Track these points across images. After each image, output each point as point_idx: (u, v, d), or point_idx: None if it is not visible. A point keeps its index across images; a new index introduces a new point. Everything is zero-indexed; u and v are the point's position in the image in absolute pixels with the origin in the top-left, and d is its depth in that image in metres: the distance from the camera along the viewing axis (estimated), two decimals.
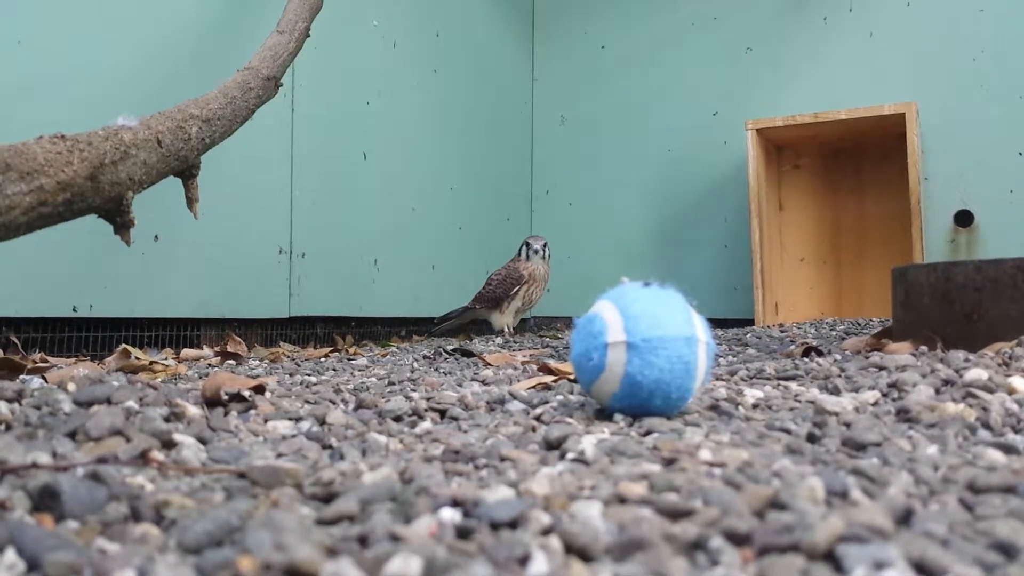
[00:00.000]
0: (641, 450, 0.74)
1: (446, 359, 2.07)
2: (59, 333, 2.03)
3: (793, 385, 1.21)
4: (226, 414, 0.97)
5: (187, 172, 1.53)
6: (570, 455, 0.74)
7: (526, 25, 4.14)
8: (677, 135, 3.77)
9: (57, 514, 0.57)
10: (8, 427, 0.84)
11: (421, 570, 0.44)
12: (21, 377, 1.35)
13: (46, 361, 1.74)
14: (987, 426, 0.87)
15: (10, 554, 0.48)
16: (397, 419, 0.98)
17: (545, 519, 0.53)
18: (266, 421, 0.95)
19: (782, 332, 2.67)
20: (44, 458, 0.69)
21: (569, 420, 0.94)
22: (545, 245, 3.04)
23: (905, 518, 0.54)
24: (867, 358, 1.42)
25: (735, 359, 1.81)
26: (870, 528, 0.49)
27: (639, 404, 0.92)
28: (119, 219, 1.28)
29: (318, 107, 2.78)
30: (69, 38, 2.03)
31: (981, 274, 1.55)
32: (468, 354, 2.12)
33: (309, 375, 1.63)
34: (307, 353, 2.32)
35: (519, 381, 1.37)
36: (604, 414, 0.98)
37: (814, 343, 1.87)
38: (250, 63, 1.86)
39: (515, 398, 1.12)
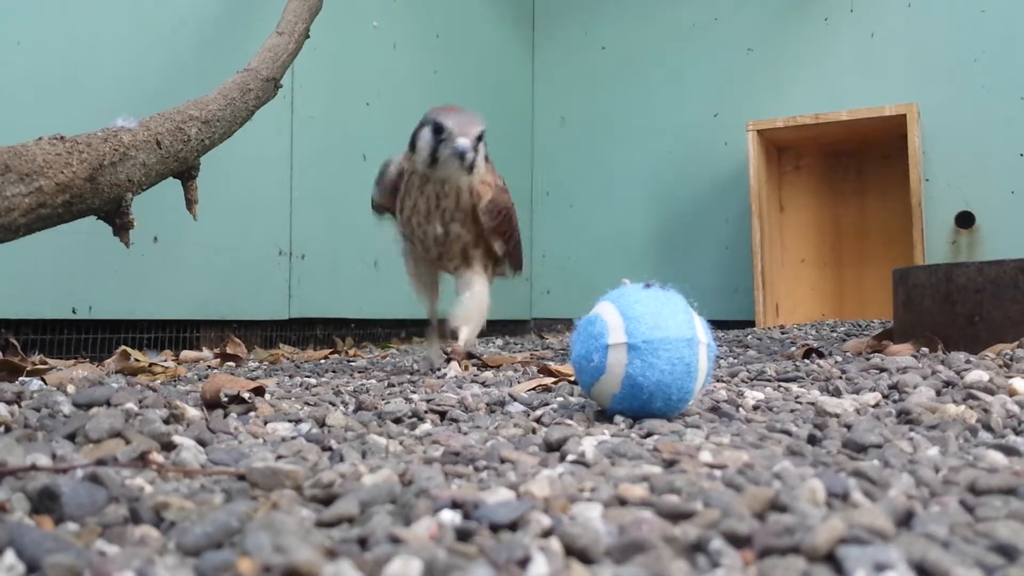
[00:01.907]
0: (642, 452, 0.74)
1: (446, 360, 2.06)
2: (58, 335, 2.03)
3: (794, 387, 1.20)
4: (225, 416, 0.97)
5: (186, 173, 1.53)
6: (570, 457, 0.74)
7: (526, 26, 4.14)
8: (677, 136, 3.77)
9: (57, 516, 0.57)
10: (7, 429, 0.84)
11: (421, 572, 0.44)
12: (20, 379, 1.35)
13: (45, 363, 1.74)
14: (988, 428, 0.86)
15: (10, 556, 0.47)
16: (397, 421, 0.98)
17: (545, 521, 0.52)
18: (266, 423, 0.95)
19: (783, 333, 2.67)
20: (44, 460, 0.68)
21: (569, 422, 0.94)
22: (466, 145, 1.51)
23: (906, 520, 0.54)
24: (868, 360, 1.42)
25: (736, 360, 1.81)
26: (871, 530, 0.49)
27: (640, 405, 0.92)
28: (118, 220, 1.28)
29: (318, 108, 2.78)
30: (69, 39, 2.03)
31: (982, 275, 1.54)
32: (468, 356, 2.12)
33: (309, 377, 1.63)
34: (307, 355, 2.32)
35: (519, 383, 1.37)
36: (604, 416, 0.97)
37: (815, 345, 1.87)
38: (249, 64, 1.85)
39: (515, 400, 1.12)
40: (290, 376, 1.65)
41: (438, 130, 1.48)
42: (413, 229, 1.58)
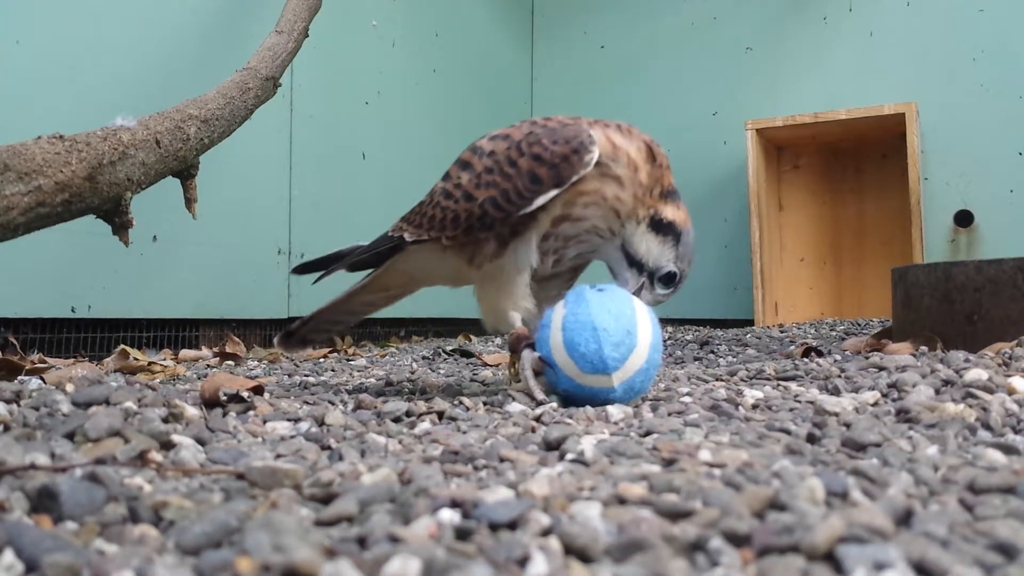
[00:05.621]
0: (641, 451, 0.74)
1: (445, 360, 2.07)
2: (57, 334, 2.03)
3: (793, 385, 1.20)
4: (224, 415, 0.97)
5: (185, 172, 1.53)
6: (569, 456, 0.74)
7: (526, 25, 4.13)
8: (677, 135, 3.76)
9: (56, 515, 0.57)
10: (6, 428, 0.84)
11: (420, 571, 0.44)
12: (19, 378, 1.35)
13: (44, 362, 1.74)
14: (987, 426, 0.86)
15: (9, 555, 0.47)
16: (396, 420, 0.98)
17: (544, 520, 0.52)
18: (265, 422, 0.95)
19: (782, 332, 2.67)
20: (43, 459, 0.68)
21: (569, 421, 0.94)
22: None
23: (905, 519, 0.54)
24: (867, 358, 1.42)
25: (735, 359, 1.81)
26: (870, 529, 0.49)
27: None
28: (118, 220, 1.28)
29: (317, 107, 2.77)
30: (69, 38, 2.02)
31: (981, 274, 1.54)
32: (467, 354, 2.12)
33: (308, 376, 1.63)
34: (306, 354, 2.31)
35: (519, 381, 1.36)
36: (604, 415, 0.98)
37: (814, 343, 1.87)
38: (249, 63, 1.85)
39: (514, 399, 1.12)
40: (289, 375, 1.65)
41: (669, 278, 1.31)
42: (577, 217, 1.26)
